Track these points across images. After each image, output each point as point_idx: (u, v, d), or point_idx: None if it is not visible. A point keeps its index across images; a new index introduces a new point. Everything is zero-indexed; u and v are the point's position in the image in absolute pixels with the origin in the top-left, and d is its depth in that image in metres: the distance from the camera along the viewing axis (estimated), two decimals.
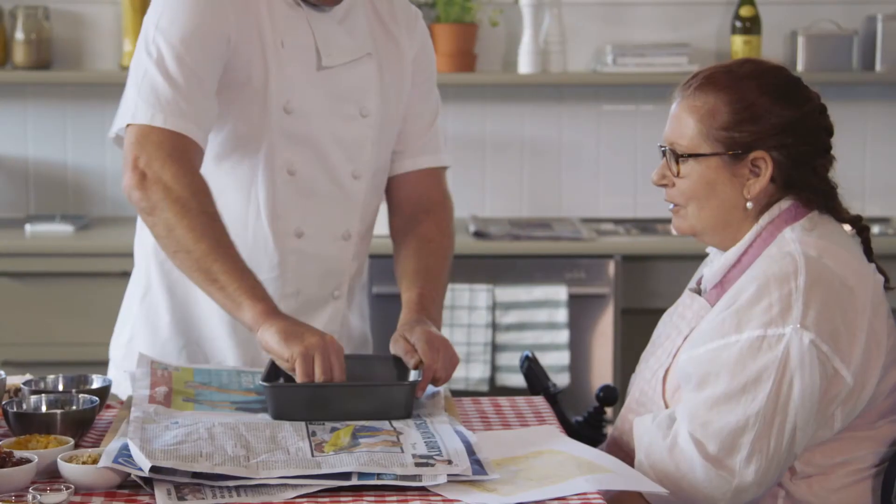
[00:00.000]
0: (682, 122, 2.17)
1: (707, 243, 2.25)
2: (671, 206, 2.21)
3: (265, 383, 2.14)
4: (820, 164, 2.15)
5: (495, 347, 4.18)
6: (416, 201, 2.56)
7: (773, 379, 2.00)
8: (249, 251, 2.35)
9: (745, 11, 4.57)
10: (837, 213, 2.17)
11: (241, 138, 2.40)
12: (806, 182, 2.14)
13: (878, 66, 4.59)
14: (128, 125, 2.33)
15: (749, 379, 2.01)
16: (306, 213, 2.44)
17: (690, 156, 2.15)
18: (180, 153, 2.28)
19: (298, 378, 2.12)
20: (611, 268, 4.23)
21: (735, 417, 2.00)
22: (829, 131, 2.18)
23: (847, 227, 2.19)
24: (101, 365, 3.97)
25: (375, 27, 2.50)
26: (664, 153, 2.20)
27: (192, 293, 2.43)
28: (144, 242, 2.52)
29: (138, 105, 2.31)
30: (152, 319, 2.51)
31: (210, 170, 2.37)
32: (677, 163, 2.17)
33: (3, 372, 2.21)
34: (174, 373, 2.29)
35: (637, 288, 4.25)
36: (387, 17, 2.52)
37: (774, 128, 2.12)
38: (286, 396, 2.13)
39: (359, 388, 2.16)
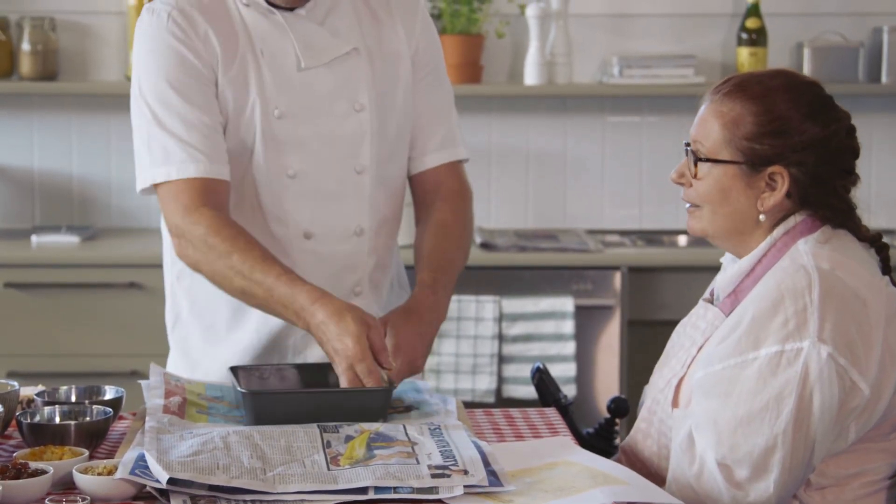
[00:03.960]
0: (707, 124, 2.17)
1: (718, 247, 2.25)
2: (687, 205, 2.21)
3: (242, 390, 2.17)
4: (840, 184, 2.15)
5: (502, 359, 4.18)
6: (434, 193, 2.58)
7: (795, 395, 1.99)
8: None
9: (752, 23, 4.58)
10: (856, 231, 2.17)
11: (237, 149, 2.41)
12: (823, 200, 2.14)
13: (883, 78, 4.59)
14: (156, 187, 2.39)
15: (771, 397, 2.00)
16: (313, 214, 2.45)
17: (708, 160, 2.16)
18: (202, 199, 2.34)
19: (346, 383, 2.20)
20: (617, 279, 4.23)
21: (763, 438, 2.00)
22: (855, 153, 2.17)
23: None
24: (108, 375, 4.00)
25: (366, 21, 2.49)
26: (687, 151, 2.20)
27: (219, 314, 2.48)
28: (170, 271, 2.56)
29: (152, 166, 2.37)
30: (184, 345, 2.55)
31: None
32: (695, 164, 2.17)
33: (16, 383, 2.21)
34: (186, 385, 2.29)
35: (643, 299, 4.25)
36: (381, 12, 2.52)
37: (798, 144, 2.11)
38: (263, 403, 2.16)
39: (334, 394, 2.20)
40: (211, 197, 2.36)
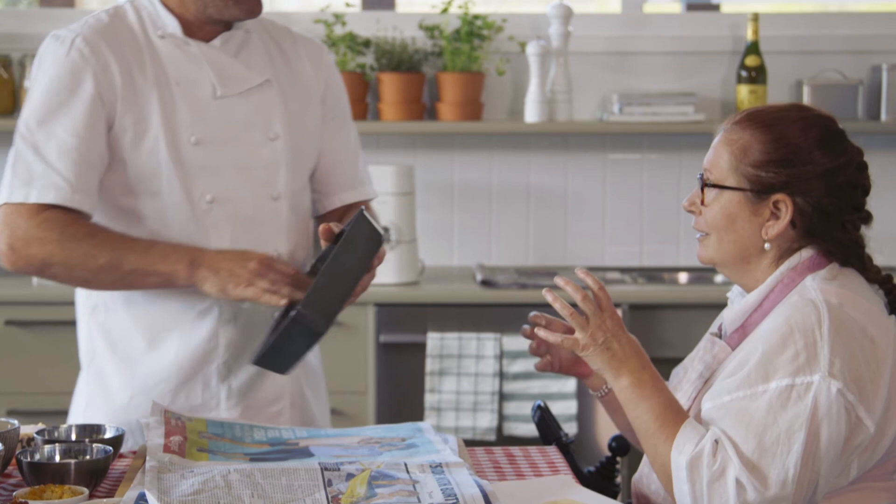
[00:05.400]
0: (718, 153, 2.19)
1: (727, 276, 2.26)
2: (698, 235, 2.23)
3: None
4: (848, 219, 2.15)
5: (503, 396, 4.17)
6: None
7: (805, 429, 1.99)
8: None
9: (751, 61, 4.59)
10: (864, 270, 2.18)
11: (141, 177, 2.45)
12: (828, 234, 2.14)
13: (883, 116, 4.61)
14: (1, 205, 2.42)
15: (782, 430, 2.00)
16: (233, 239, 2.50)
17: (714, 186, 2.17)
18: (50, 220, 2.38)
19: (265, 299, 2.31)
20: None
21: (775, 472, 2.00)
22: (865, 190, 2.18)
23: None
24: None
25: (276, 59, 2.58)
26: (699, 180, 2.22)
27: (134, 345, 2.52)
28: (83, 306, 2.60)
29: (12, 185, 2.41)
30: (102, 381, 2.57)
31: (128, 204, 2.46)
32: (703, 190, 2.19)
33: (16, 421, 2.21)
34: (188, 423, 2.29)
35: (644, 337, 4.22)
36: (289, 52, 2.61)
37: (804, 174, 2.12)
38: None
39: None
40: (65, 217, 2.40)
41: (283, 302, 2.31)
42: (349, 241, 2.24)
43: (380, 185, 4.32)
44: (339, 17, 4.60)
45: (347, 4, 4.69)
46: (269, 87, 2.54)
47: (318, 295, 2.22)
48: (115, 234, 2.41)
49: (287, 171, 2.54)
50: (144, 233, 2.46)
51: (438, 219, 4.75)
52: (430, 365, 4.14)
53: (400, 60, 4.56)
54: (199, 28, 2.50)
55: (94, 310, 2.56)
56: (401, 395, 4.23)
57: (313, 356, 2.68)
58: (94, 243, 2.37)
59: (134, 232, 2.45)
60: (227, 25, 2.52)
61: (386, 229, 4.25)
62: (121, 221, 2.48)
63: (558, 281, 2.19)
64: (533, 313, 2.28)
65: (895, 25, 4.79)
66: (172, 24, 2.49)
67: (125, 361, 2.53)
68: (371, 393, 4.22)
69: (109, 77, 2.43)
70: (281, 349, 2.26)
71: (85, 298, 2.58)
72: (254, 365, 2.31)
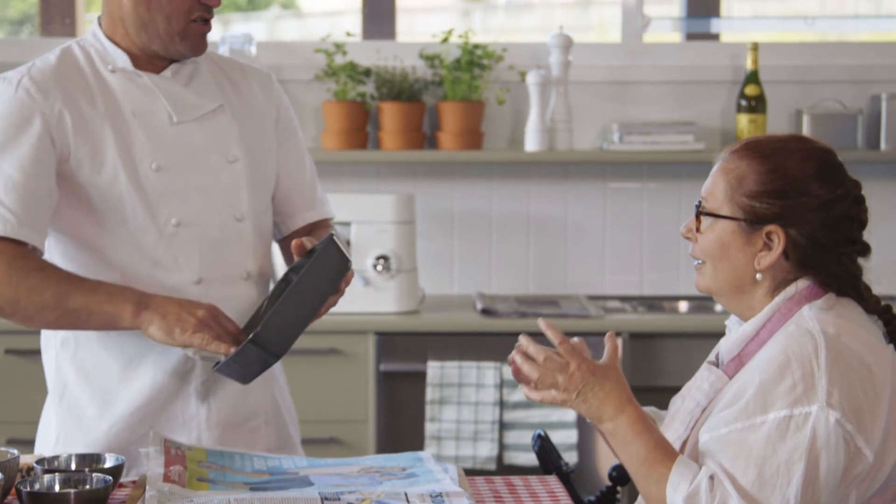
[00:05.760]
0: (715, 181, 2.19)
1: (723, 305, 2.26)
2: (695, 262, 2.23)
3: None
4: (844, 252, 2.15)
5: (503, 425, 4.17)
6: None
7: (804, 460, 1.99)
8: None
9: (751, 90, 4.61)
10: (861, 300, 2.18)
11: (119, 203, 2.49)
12: (823, 266, 2.14)
13: (882, 145, 4.62)
14: None
15: (781, 461, 2.00)
16: (202, 260, 2.53)
17: (708, 214, 2.17)
18: None
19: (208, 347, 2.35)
20: (618, 346, 4.22)
21: (775, 503, 1.99)
22: (861, 223, 2.18)
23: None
24: None
25: (226, 87, 2.64)
26: (696, 207, 2.22)
27: (109, 374, 2.53)
28: (52, 342, 2.61)
29: None
30: (76, 413, 2.57)
31: (95, 235, 2.49)
32: (698, 218, 2.19)
33: (16, 451, 2.21)
34: (187, 452, 2.28)
35: (645, 366, 4.24)
36: (239, 81, 2.67)
37: (799, 206, 2.12)
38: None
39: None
40: (13, 250, 2.42)
41: (232, 350, 2.34)
42: (315, 267, 2.31)
43: (380, 213, 4.34)
44: (339, 47, 4.62)
45: (348, 34, 4.71)
46: (223, 112, 2.60)
47: (278, 320, 2.29)
48: (63, 271, 2.44)
49: (248, 192, 2.60)
50: (113, 262, 2.49)
51: (439, 247, 4.76)
52: (431, 394, 4.14)
53: (400, 89, 4.57)
54: (148, 61, 2.56)
55: (63, 343, 2.58)
56: (401, 424, 4.23)
57: (278, 370, 2.70)
58: (41, 277, 2.39)
59: (102, 262, 2.49)
60: (175, 59, 2.58)
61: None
62: (87, 254, 2.51)
63: (540, 323, 2.19)
64: (518, 343, 2.25)
65: (894, 55, 4.81)
66: (122, 59, 2.55)
67: (101, 391, 2.55)
68: (371, 421, 4.22)
69: (58, 114, 2.47)
70: (240, 365, 2.32)
71: (52, 333, 2.60)
72: (215, 372, 2.38)
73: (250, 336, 2.27)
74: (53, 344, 2.61)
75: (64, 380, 2.59)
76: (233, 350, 2.32)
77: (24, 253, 2.41)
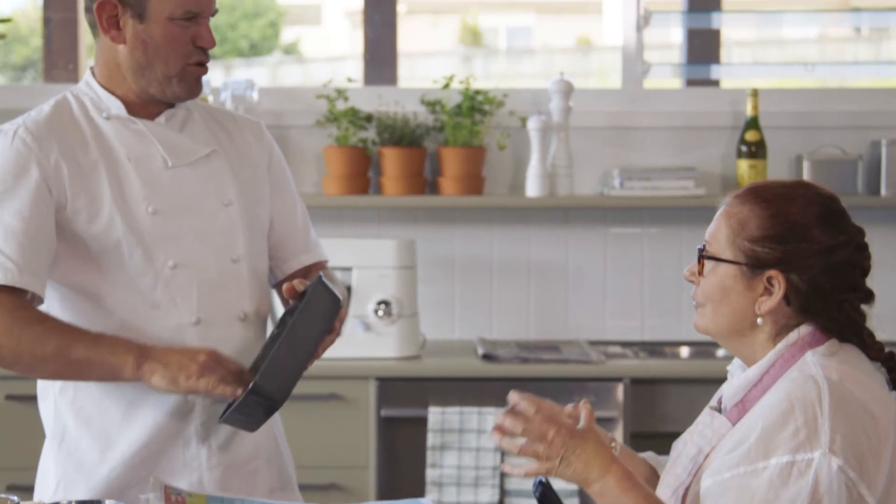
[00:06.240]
0: (718, 225, 2.20)
1: (723, 347, 2.26)
2: (694, 303, 2.23)
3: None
4: (846, 298, 2.16)
5: (504, 471, 4.15)
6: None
7: None
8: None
9: (751, 136, 4.62)
10: (865, 348, 2.18)
11: (116, 248, 2.51)
12: (825, 312, 2.14)
13: (883, 191, 4.63)
14: None
15: None
16: (200, 302, 2.55)
17: (710, 258, 2.18)
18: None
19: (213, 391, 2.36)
20: (619, 391, 4.22)
21: None
22: (863, 270, 2.18)
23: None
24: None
25: (219, 134, 2.68)
26: (699, 250, 2.22)
27: (109, 418, 2.54)
28: (50, 389, 2.61)
29: None
30: (76, 457, 2.57)
31: (93, 281, 2.51)
32: (700, 261, 2.19)
33: (16, 497, 2.20)
34: (188, 498, 2.28)
35: (646, 411, 4.23)
36: (231, 129, 2.71)
37: (800, 252, 2.12)
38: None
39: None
40: (11, 300, 2.43)
41: (238, 392, 2.34)
42: (306, 311, 2.33)
43: (381, 259, 4.34)
44: (341, 93, 4.63)
45: (349, 80, 4.73)
46: (217, 157, 2.63)
47: (275, 367, 2.31)
48: (64, 323, 2.45)
49: (244, 235, 2.62)
50: (111, 306, 2.50)
51: (440, 292, 4.76)
52: (432, 439, 4.13)
53: (402, 135, 4.59)
54: (142, 107, 2.59)
55: (62, 389, 2.58)
56: (402, 470, 4.21)
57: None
58: (43, 329, 2.41)
59: (100, 307, 2.50)
60: (170, 104, 2.62)
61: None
62: (85, 299, 2.52)
63: (511, 398, 2.18)
64: (498, 420, 2.22)
65: (894, 101, 4.82)
66: (116, 106, 2.58)
67: (101, 436, 2.55)
68: (372, 467, 4.21)
69: (55, 164, 2.50)
70: (243, 414, 2.34)
71: (50, 381, 2.60)
72: (221, 423, 2.38)
73: (249, 386, 2.27)
74: (52, 391, 2.61)
75: (63, 425, 2.58)
76: (240, 391, 2.33)
77: (24, 304, 2.43)
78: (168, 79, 2.54)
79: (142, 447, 2.53)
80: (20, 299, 2.43)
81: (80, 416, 2.56)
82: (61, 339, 2.40)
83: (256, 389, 2.26)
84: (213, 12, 2.57)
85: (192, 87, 2.58)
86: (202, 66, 2.58)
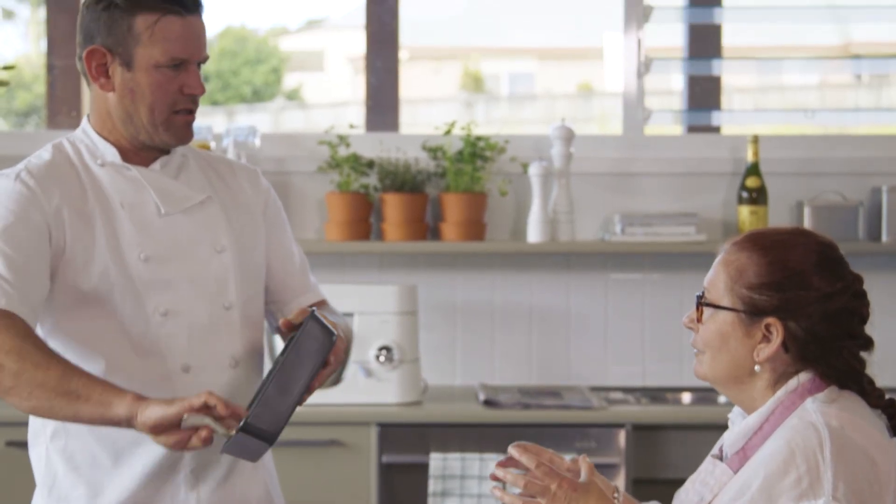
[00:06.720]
0: (717, 272, 2.21)
1: (723, 393, 2.26)
2: (694, 350, 2.23)
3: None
4: (845, 345, 2.16)
5: None
6: None
7: None
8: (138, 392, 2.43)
9: (752, 182, 4.63)
10: (864, 395, 2.18)
11: (108, 294, 2.51)
12: (823, 359, 2.15)
13: (884, 237, 4.63)
14: None
15: None
16: (189, 348, 2.55)
17: (708, 305, 2.18)
18: (7, 327, 2.39)
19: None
20: (621, 437, 4.21)
21: None
22: (862, 318, 2.18)
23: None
24: None
25: (214, 181, 2.68)
26: (697, 297, 2.23)
27: (100, 465, 2.53)
28: (41, 435, 2.61)
29: None
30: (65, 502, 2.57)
31: (82, 326, 2.51)
32: (698, 308, 2.20)
33: None
34: None
35: (648, 457, 4.22)
36: (227, 175, 2.71)
37: (798, 299, 2.13)
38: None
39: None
40: (15, 324, 2.41)
41: (232, 432, 2.33)
42: (298, 346, 2.34)
43: (382, 304, 4.34)
44: (342, 139, 4.65)
45: (351, 126, 4.74)
46: (211, 204, 2.63)
47: (267, 403, 2.31)
48: (62, 356, 2.42)
49: (236, 282, 2.62)
50: (99, 350, 2.50)
51: (441, 338, 4.76)
52: (433, 486, 4.12)
53: (403, 181, 4.60)
54: (136, 154, 2.60)
55: (54, 435, 2.58)
56: None
57: (268, 459, 2.70)
58: (48, 354, 2.38)
59: (87, 351, 2.50)
60: (164, 150, 2.62)
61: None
62: (71, 341, 2.52)
63: (512, 451, 2.18)
64: (499, 473, 2.21)
65: (895, 148, 4.83)
66: (111, 153, 2.59)
67: (91, 483, 2.55)
68: None
69: (55, 209, 2.50)
70: (238, 451, 2.34)
71: (41, 426, 2.60)
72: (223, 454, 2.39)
73: (240, 424, 2.28)
74: (43, 437, 2.60)
75: (54, 472, 2.58)
76: (233, 432, 2.32)
77: (31, 329, 2.41)
78: (155, 126, 2.54)
79: (131, 494, 2.52)
80: (27, 326, 2.41)
81: (70, 463, 2.56)
82: (65, 367, 2.37)
83: (248, 429, 2.27)
84: (204, 59, 2.58)
85: (181, 133, 2.58)
86: (190, 114, 2.58)
